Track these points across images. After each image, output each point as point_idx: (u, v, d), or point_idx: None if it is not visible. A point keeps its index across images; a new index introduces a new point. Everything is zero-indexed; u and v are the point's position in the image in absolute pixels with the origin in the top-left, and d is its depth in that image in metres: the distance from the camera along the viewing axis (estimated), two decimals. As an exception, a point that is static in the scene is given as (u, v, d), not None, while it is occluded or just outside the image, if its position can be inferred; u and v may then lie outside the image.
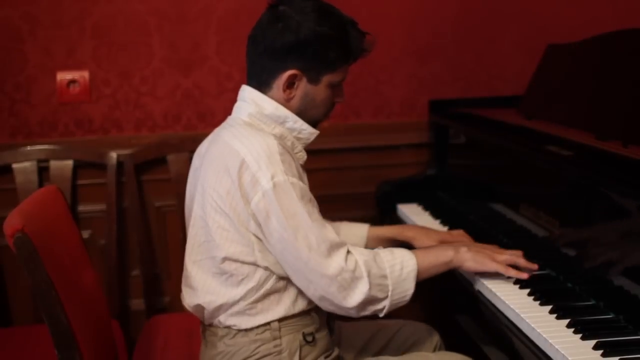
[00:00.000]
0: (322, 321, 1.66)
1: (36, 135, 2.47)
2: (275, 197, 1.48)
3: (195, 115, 2.55)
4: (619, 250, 1.52)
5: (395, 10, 2.61)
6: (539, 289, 1.61)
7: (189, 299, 1.65)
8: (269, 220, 1.49)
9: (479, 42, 2.68)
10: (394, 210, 2.46)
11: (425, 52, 2.66)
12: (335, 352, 1.69)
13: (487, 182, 2.21)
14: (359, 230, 1.89)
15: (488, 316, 1.64)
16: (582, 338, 1.39)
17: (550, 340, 1.38)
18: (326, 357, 1.65)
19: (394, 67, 2.65)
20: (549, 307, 1.53)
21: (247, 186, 1.49)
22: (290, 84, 1.59)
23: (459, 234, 1.88)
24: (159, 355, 2.04)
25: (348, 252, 1.52)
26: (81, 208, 2.50)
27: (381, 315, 1.57)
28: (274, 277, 1.57)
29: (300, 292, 1.59)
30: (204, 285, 1.61)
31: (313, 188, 1.58)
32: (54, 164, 2.42)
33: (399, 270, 1.55)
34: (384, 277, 1.53)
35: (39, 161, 2.42)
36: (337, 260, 1.49)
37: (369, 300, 1.52)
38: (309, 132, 1.63)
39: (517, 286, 1.64)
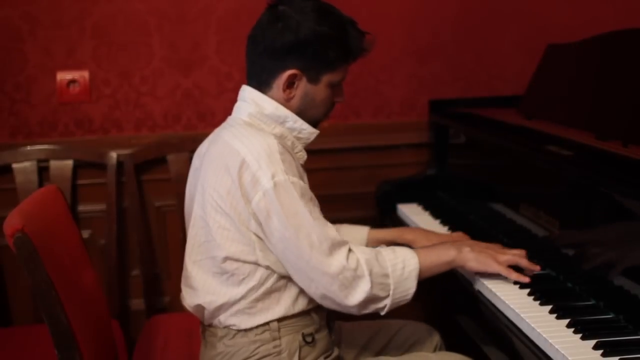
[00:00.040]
0: (321, 322, 1.66)
1: (36, 135, 2.47)
2: (276, 196, 1.48)
3: (195, 115, 2.55)
4: (619, 250, 1.52)
5: (395, 10, 2.61)
6: (539, 288, 1.61)
7: (189, 299, 1.65)
8: (269, 220, 1.49)
9: (479, 42, 2.68)
10: (394, 210, 2.46)
11: (425, 52, 2.66)
12: (335, 353, 1.69)
13: (487, 182, 2.21)
14: (359, 233, 1.89)
15: (488, 316, 1.64)
16: (582, 338, 1.39)
17: (550, 340, 1.38)
18: (326, 358, 1.65)
19: (394, 67, 2.65)
20: (549, 307, 1.53)
21: (248, 186, 1.49)
22: (290, 84, 1.59)
23: (459, 236, 1.88)
24: (159, 355, 2.04)
25: (350, 250, 1.53)
26: (81, 208, 2.50)
27: (382, 313, 1.57)
28: (275, 276, 1.57)
29: (300, 292, 1.59)
30: (204, 285, 1.61)
31: (313, 188, 1.58)
32: (54, 163, 2.42)
33: (400, 270, 1.55)
34: (386, 276, 1.53)
35: (39, 161, 2.42)
36: (339, 259, 1.50)
37: (371, 299, 1.53)
38: (309, 132, 1.63)
39: (517, 286, 1.64)
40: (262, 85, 1.61)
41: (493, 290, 1.63)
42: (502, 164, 2.10)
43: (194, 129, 2.54)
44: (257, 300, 1.57)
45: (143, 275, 2.49)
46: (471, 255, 1.63)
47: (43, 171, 2.43)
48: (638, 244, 1.46)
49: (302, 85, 1.60)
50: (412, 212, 2.35)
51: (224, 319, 1.60)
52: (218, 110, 2.54)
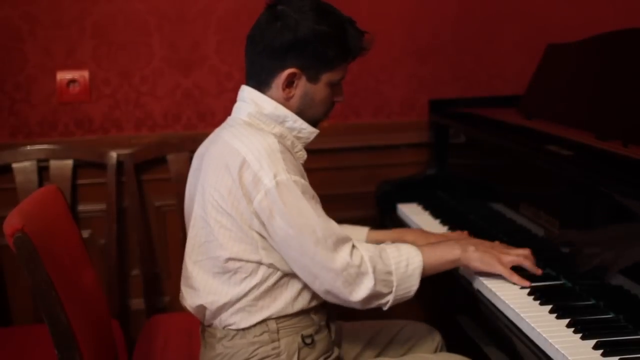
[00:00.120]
0: (321, 322, 1.66)
1: (36, 134, 2.47)
2: (279, 195, 1.48)
3: (195, 115, 2.55)
4: (619, 250, 1.52)
5: (395, 10, 2.61)
6: (539, 288, 1.61)
7: (190, 300, 1.65)
8: (272, 219, 1.49)
9: (479, 42, 2.68)
10: (394, 209, 2.46)
11: (425, 52, 2.66)
12: (335, 353, 1.69)
13: (487, 182, 2.21)
14: (359, 234, 1.89)
15: (488, 316, 1.64)
16: (582, 338, 1.39)
17: (550, 340, 1.38)
18: (326, 359, 1.65)
19: (394, 67, 2.65)
20: (549, 307, 1.53)
21: (249, 185, 1.49)
22: (289, 83, 1.59)
23: (459, 235, 1.88)
24: (158, 355, 2.04)
25: (353, 247, 1.53)
26: (81, 208, 2.50)
27: (385, 308, 1.58)
28: (278, 273, 1.57)
29: (301, 290, 1.59)
30: (205, 286, 1.61)
31: (313, 188, 1.58)
32: (53, 163, 2.42)
33: (404, 267, 1.55)
34: (389, 273, 1.54)
35: (39, 161, 2.42)
36: (343, 255, 1.50)
37: (374, 295, 1.53)
38: (308, 132, 1.63)
39: (517, 286, 1.64)
40: (261, 85, 1.61)
41: (493, 289, 1.63)
42: (502, 164, 2.10)
43: (194, 129, 2.54)
44: (259, 298, 1.57)
45: (143, 275, 2.49)
46: (476, 255, 1.64)
47: (43, 171, 2.43)
48: (638, 243, 1.46)
49: (302, 85, 1.60)
50: (412, 212, 2.35)
51: (225, 318, 1.60)
52: (218, 110, 2.54)
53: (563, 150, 1.74)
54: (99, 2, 2.43)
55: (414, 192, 2.49)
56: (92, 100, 2.49)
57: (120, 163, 2.45)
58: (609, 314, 1.51)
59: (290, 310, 1.59)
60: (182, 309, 1.72)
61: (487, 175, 2.23)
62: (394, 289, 1.55)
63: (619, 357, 1.32)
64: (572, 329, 1.43)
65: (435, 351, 1.86)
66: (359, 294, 1.52)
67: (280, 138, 1.58)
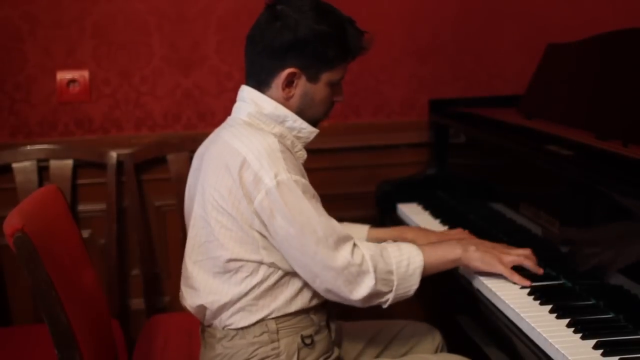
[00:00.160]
0: (321, 323, 1.65)
1: (36, 134, 2.47)
2: (280, 195, 1.48)
3: (195, 115, 2.55)
4: (619, 250, 1.52)
5: (395, 10, 2.61)
6: (539, 288, 1.61)
7: (191, 300, 1.65)
8: (273, 219, 1.49)
9: (479, 42, 2.68)
10: (393, 209, 2.46)
11: (425, 51, 2.66)
12: (335, 353, 1.69)
13: (487, 182, 2.21)
14: (359, 232, 1.89)
15: (488, 316, 1.64)
16: (582, 337, 1.39)
17: (550, 340, 1.38)
18: (326, 359, 1.65)
19: (394, 67, 2.65)
20: (549, 307, 1.53)
21: (250, 185, 1.49)
22: (289, 83, 1.59)
23: (459, 232, 1.88)
24: (158, 354, 2.04)
25: (355, 245, 1.53)
26: (81, 207, 2.50)
27: (384, 306, 1.58)
28: (279, 272, 1.57)
29: (301, 290, 1.59)
30: (205, 286, 1.61)
31: (313, 187, 1.58)
32: (53, 163, 2.42)
33: (405, 267, 1.56)
34: (390, 272, 1.54)
35: (39, 161, 2.42)
36: (344, 254, 1.50)
37: (374, 294, 1.54)
38: (308, 131, 1.63)
39: (517, 286, 1.64)
40: (261, 84, 1.61)
41: (493, 289, 1.63)
42: (502, 164, 2.10)
43: (194, 129, 2.54)
44: (259, 297, 1.57)
45: (143, 275, 2.49)
46: (476, 255, 1.64)
47: (43, 171, 2.43)
48: (638, 243, 1.46)
49: (302, 84, 1.60)
50: (412, 212, 2.35)
51: (225, 317, 1.59)
52: (218, 110, 2.54)
53: (563, 150, 1.74)
54: (99, 2, 2.43)
55: (414, 192, 2.49)
56: (92, 100, 2.49)
57: (120, 163, 2.45)
58: (609, 314, 1.50)
59: (290, 309, 1.59)
60: (182, 309, 1.72)
61: (487, 175, 2.23)
62: (394, 288, 1.55)
63: (619, 357, 1.32)
64: (572, 329, 1.43)
65: (436, 351, 1.86)
66: (359, 292, 1.52)
67: (280, 138, 1.58)
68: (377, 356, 1.84)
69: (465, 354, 1.76)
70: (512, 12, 2.68)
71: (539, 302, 1.56)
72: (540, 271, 1.67)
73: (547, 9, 2.67)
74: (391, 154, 2.66)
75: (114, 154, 2.43)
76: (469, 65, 2.69)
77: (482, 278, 1.68)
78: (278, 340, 1.59)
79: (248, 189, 1.50)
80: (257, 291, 1.57)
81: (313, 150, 1.71)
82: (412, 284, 1.57)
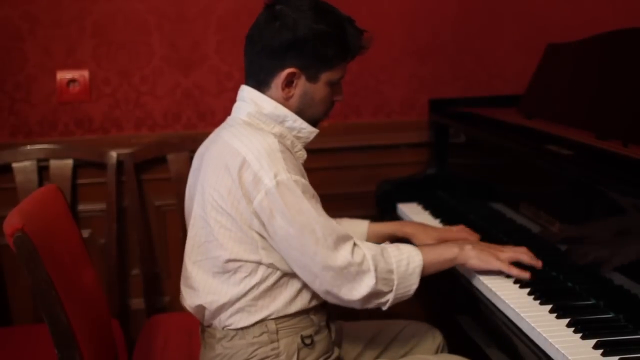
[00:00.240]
0: (321, 323, 1.65)
1: (36, 134, 2.47)
2: (279, 195, 1.48)
3: (195, 115, 2.55)
4: (619, 250, 1.52)
5: (395, 10, 2.61)
6: (539, 288, 1.61)
7: (190, 300, 1.65)
8: (273, 219, 1.49)
9: (479, 42, 2.68)
10: (394, 209, 2.46)
11: (425, 51, 2.66)
12: (336, 353, 1.69)
13: (487, 182, 2.21)
14: (359, 227, 1.89)
15: (488, 316, 1.64)
16: (582, 337, 1.39)
17: (550, 340, 1.38)
18: (326, 359, 1.65)
19: (394, 67, 2.65)
20: (549, 307, 1.53)
21: (249, 185, 1.49)
22: (288, 83, 1.59)
23: (460, 229, 1.89)
24: (158, 354, 2.04)
25: (355, 245, 1.53)
26: (81, 207, 2.50)
27: (384, 308, 1.58)
28: (277, 273, 1.57)
29: (300, 291, 1.59)
30: (205, 286, 1.61)
31: (313, 187, 1.58)
32: (53, 163, 2.42)
33: (405, 266, 1.56)
34: (390, 271, 1.54)
35: (39, 160, 2.42)
36: (344, 254, 1.50)
37: (374, 294, 1.53)
38: (308, 131, 1.63)
39: (517, 285, 1.64)
40: (261, 84, 1.61)
41: (493, 289, 1.63)
42: (502, 164, 2.10)
43: (194, 129, 2.54)
44: (258, 298, 1.57)
45: (143, 275, 2.49)
46: (473, 253, 1.64)
47: (43, 170, 2.43)
48: (638, 243, 1.46)
49: (301, 84, 1.60)
50: (412, 212, 2.35)
51: (224, 318, 1.59)
52: (218, 110, 2.54)
53: (563, 150, 1.74)
54: (99, 2, 2.43)
55: (414, 192, 2.49)
56: (92, 100, 2.49)
57: (120, 163, 2.45)
58: (609, 314, 1.51)
59: (290, 310, 1.59)
60: (182, 309, 1.72)
61: (487, 175, 2.23)
62: (394, 287, 1.55)
63: (619, 357, 1.32)
64: (572, 329, 1.43)
65: (437, 351, 1.86)
66: (359, 292, 1.52)
67: (280, 138, 1.58)
68: (378, 356, 1.84)
69: (466, 354, 1.76)
70: (512, 12, 2.68)
71: (539, 302, 1.56)
72: (539, 263, 1.67)
73: (547, 9, 2.67)
74: (391, 153, 2.65)
75: (114, 154, 2.43)
76: (469, 65, 2.69)
77: (482, 278, 1.68)
78: (278, 340, 1.59)
79: (247, 189, 1.50)
80: (256, 292, 1.57)
81: (313, 150, 1.71)
82: (412, 284, 1.57)
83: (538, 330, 1.43)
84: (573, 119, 1.98)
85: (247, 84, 1.64)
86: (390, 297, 1.56)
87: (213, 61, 2.53)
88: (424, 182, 2.56)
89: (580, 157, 1.69)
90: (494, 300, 1.62)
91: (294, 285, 1.59)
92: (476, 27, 2.67)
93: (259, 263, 1.55)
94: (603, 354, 1.33)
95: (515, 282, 1.66)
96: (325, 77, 1.60)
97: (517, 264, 1.67)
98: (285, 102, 1.60)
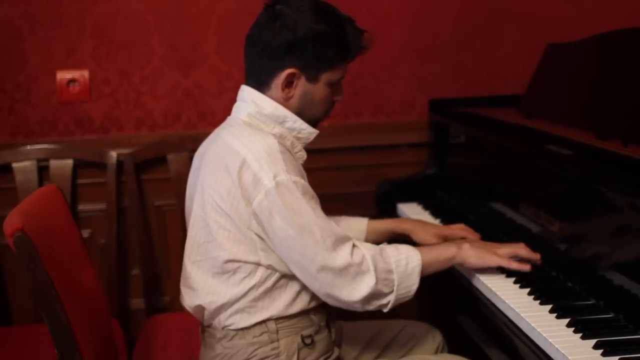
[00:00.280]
0: (321, 323, 1.66)
1: (36, 134, 2.47)
2: (279, 196, 1.48)
3: (195, 115, 2.55)
4: (619, 250, 1.52)
5: (395, 10, 2.61)
6: (539, 288, 1.61)
7: (189, 300, 1.65)
8: (272, 220, 1.49)
9: (479, 42, 2.68)
10: (394, 209, 2.46)
11: (425, 51, 2.66)
12: (336, 353, 1.69)
13: (487, 182, 2.21)
14: (358, 224, 1.89)
15: (488, 316, 1.64)
16: (582, 337, 1.39)
17: (550, 340, 1.38)
18: (326, 359, 1.65)
19: (394, 67, 2.65)
20: (549, 307, 1.53)
21: (249, 186, 1.49)
22: (288, 83, 1.59)
23: (459, 227, 1.89)
24: (158, 354, 2.04)
25: (354, 246, 1.53)
26: (81, 207, 2.50)
27: (385, 310, 1.58)
28: (276, 275, 1.57)
29: (300, 292, 1.59)
30: (204, 286, 1.60)
31: (312, 187, 1.58)
32: (53, 163, 2.42)
33: (404, 266, 1.55)
34: (390, 271, 1.54)
35: (39, 160, 2.42)
36: (343, 255, 1.50)
37: (375, 295, 1.53)
38: (308, 132, 1.63)
39: (517, 285, 1.64)
40: (261, 85, 1.61)
41: (493, 289, 1.63)
42: (502, 164, 2.10)
43: (194, 129, 2.54)
44: (257, 299, 1.57)
45: (143, 275, 2.49)
46: (471, 252, 1.64)
47: (43, 170, 2.43)
48: (638, 243, 1.46)
49: (301, 85, 1.60)
50: (412, 212, 2.34)
51: (224, 318, 1.59)
52: (218, 110, 2.54)
53: (563, 150, 1.74)
54: (99, 2, 2.43)
55: (414, 192, 2.49)
56: (92, 100, 2.49)
57: (120, 163, 2.45)
58: (609, 314, 1.50)
59: (290, 312, 1.59)
60: (182, 309, 1.72)
61: (487, 175, 2.23)
62: (395, 288, 1.54)
63: (619, 357, 1.32)
64: (572, 329, 1.43)
65: (437, 351, 1.86)
66: (359, 292, 1.51)
67: (280, 138, 1.58)
68: (378, 356, 1.84)
69: (466, 354, 1.76)
70: (512, 12, 2.68)
71: (539, 302, 1.56)
72: (538, 256, 1.67)
73: (547, 9, 2.67)
74: (391, 153, 2.65)
75: (114, 154, 2.43)
76: (469, 65, 2.69)
77: (482, 278, 1.68)
78: (278, 340, 1.59)
79: (247, 190, 1.50)
80: (255, 293, 1.57)
81: (313, 150, 1.71)
82: (412, 284, 1.57)
83: (538, 330, 1.43)
84: (573, 119, 1.98)
85: (247, 84, 1.64)
86: (391, 299, 1.55)
87: (213, 61, 2.53)
88: (424, 182, 2.56)
89: (580, 157, 1.69)
90: (494, 300, 1.62)
91: (293, 287, 1.59)
92: (476, 27, 2.67)
93: (258, 264, 1.55)
94: (603, 354, 1.33)
95: (516, 282, 1.66)
96: (325, 77, 1.60)
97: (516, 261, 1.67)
98: (285, 102, 1.60)
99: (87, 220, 2.49)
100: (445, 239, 1.84)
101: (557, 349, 1.35)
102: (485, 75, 2.71)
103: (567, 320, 1.46)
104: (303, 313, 1.61)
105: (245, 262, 1.55)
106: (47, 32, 2.41)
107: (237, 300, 1.57)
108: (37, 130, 2.47)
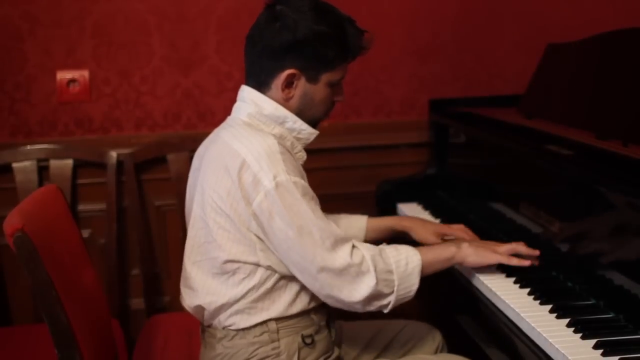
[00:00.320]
0: (321, 322, 1.66)
1: (36, 134, 2.47)
2: (279, 196, 1.48)
3: (195, 115, 2.55)
4: (619, 250, 1.52)
5: (395, 10, 2.61)
6: (539, 288, 1.61)
7: (189, 300, 1.65)
8: (272, 220, 1.49)
9: (479, 42, 2.68)
10: (394, 209, 2.46)
11: (425, 51, 2.66)
12: (336, 353, 1.69)
13: (487, 182, 2.21)
14: (358, 222, 1.90)
15: (488, 316, 1.64)
16: (582, 337, 1.39)
17: (550, 340, 1.38)
18: (326, 359, 1.65)
19: (394, 67, 2.65)
20: (549, 307, 1.53)
21: (249, 187, 1.49)
22: (289, 84, 1.58)
23: (459, 228, 1.89)
24: (158, 354, 2.04)
25: (354, 246, 1.53)
26: (81, 207, 2.50)
27: (386, 311, 1.58)
28: (276, 276, 1.56)
29: (300, 292, 1.59)
30: (204, 286, 1.60)
31: (312, 187, 1.58)
32: (53, 163, 2.42)
33: (404, 266, 1.55)
34: (390, 272, 1.54)
35: (39, 160, 2.42)
36: (343, 255, 1.50)
37: (375, 295, 1.53)
38: (308, 132, 1.63)
39: (517, 285, 1.64)
40: (261, 85, 1.61)
41: (493, 289, 1.63)
42: (502, 164, 2.10)
43: (194, 129, 2.54)
44: (257, 300, 1.57)
45: (143, 275, 2.49)
46: (470, 250, 1.65)
47: (43, 170, 2.43)
48: (637, 243, 1.46)
49: (301, 85, 1.59)
50: (412, 212, 2.34)
51: (224, 318, 1.59)
52: (218, 110, 2.54)
53: (563, 150, 1.74)
54: (99, 2, 2.43)
55: (414, 192, 2.49)
56: (92, 100, 2.49)
57: (120, 163, 2.45)
58: (609, 314, 1.50)
59: (290, 312, 1.59)
60: (182, 309, 1.72)
61: (487, 175, 2.23)
62: (395, 288, 1.54)
63: (619, 357, 1.32)
64: (572, 329, 1.43)
65: (436, 351, 1.86)
66: (360, 293, 1.51)
67: (280, 139, 1.57)
68: (377, 356, 1.84)
69: (466, 354, 1.76)
70: (512, 12, 2.68)
71: (539, 302, 1.56)
72: (537, 252, 1.67)
73: (547, 9, 2.67)
74: (391, 153, 2.66)
75: (114, 154, 2.43)
76: (469, 65, 2.69)
77: (482, 278, 1.68)
78: (278, 340, 1.59)
79: (247, 190, 1.50)
80: (255, 294, 1.57)
81: (313, 150, 1.71)
82: (412, 284, 1.57)
83: (538, 330, 1.43)
84: (573, 119, 1.98)
85: (247, 84, 1.64)
86: (392, 299, 1.55)
87: (213, 61, 2.53)
88: (424, 182, 2.56)
89: (580, 157, 1.69)
90: (494, 300, 1.62)
91: (293, 288, 1.59)
92: (476, 27, 2.67)
93: (257, 265, 1.55)
94: (603, 354, 1.33)
95: (516, 282, 1.66)
96: (325, 77, 1.60)
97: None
98: (285, 103, 1.60)
99: (87, 220, 2.49)
100: (445, 238, 1.84)
101: (557, 349, 1.35)
102: (485, 75, 2.71)
103: (567, 320, 1.46)
104: (303, 313, 1.61)
105: (245, 262, 1.55)
106: (47, 32, 2.41)
107: (237, 301, 1.57)
108: (37, 130, 2.47)
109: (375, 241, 1.80)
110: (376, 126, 2.66)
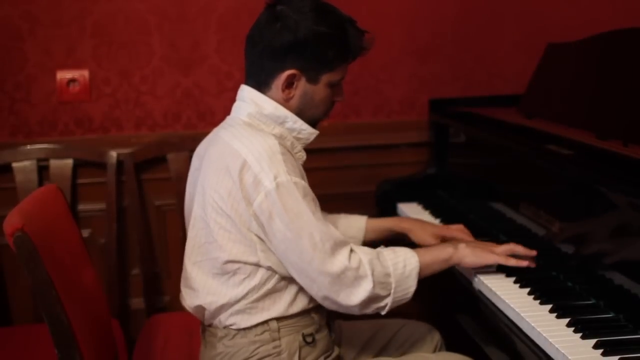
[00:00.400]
0: (322, 321, 1.66)
1: (36, 134, 2.47)
2: (279, 197, 1.48)
3: (195, 114, 2.55)
4: (619, 250, 1.52)
5: (395, 10, 2.61)
6: (539, 288, 1.61)
7: (190, 300, 1.65)
8: (272, 221, 1.49)
9: (479, 41, 2.68)
10: (394, 209, 2.46)
11: (425, 51, 2.66)
12: (336, 352, 1.69)
13: (487, 181, 2.21)
14: (357, 222, 1.90)
15: (488, 315, 1.64)
16: (582, 337, 1.39)
17: (550, 340, 1.38)
18: (326, 358, 1.65)
19: (394, 67, 2.65)
20: (549, 306, 1.53)
21: (249, 187, 1.49)
22: (289, 84, 1.58)
23: (458, 228, 1.89)
24: (158, 354, 2.04)
25: (352, 250, 1.53)
26: (81, 207, 2.50)
27: (383, 312, 1.58)
28: (276, 276, 1.56)
29: (300, 292, 1.59)
30: (204, 286, 1.60)
31: (312, 187, 1.58)
32: (53, 163, 2.42)
33: (402, 268, 1.55)
34: (388, 275, 1.54)
35: (39, 160, 2.42)
36: (341, 259, 1.50)
37: (372, 298, 1.53)
38: (308, 132, 1.63)
39: (517, 285, 1.64)
40: (261, 85, 1.61)
41: (493, 289, 1.63)
42: (502, 163, 2.10)
43: (194, 128, 2.54)
44: (258, 300, 1.57)
45: (143, 275, 2.49)
46: (467, 251, 1.65)
47: (43, 170, 2.43)
48: (638, 243, 1.46)
49: (301, 85, 1.59)
50: (412, 212, 2.34)
51: (224, 318, 1.59)
52: (218, 110, 2.54)
53: (563, 149, 1.74)
54: (99, 1, 2.43)
55: (414, 192, 2.49)
56: (92, 100, 2.49)
57: (120, 162, 2.45)
58: (609, 314, 1.51)
59: (290, 312, 1.59)
60: (182, 309, 1.72)
61: (487, 175, 2.23)
62: (392, 290, 1.54)
63: (619, 357, 1.32)
64: (572, 329, 1.43)
65: (435, 350, 1.86)
66: (357, 296, 1.51)
67: (280, 139, 1.57)
68: (376, 355, 1.84)
69: (465, 353, 1.76)
70: (512, 12, 2.68)
71: (539, 301, 1.56)
72: (534, 252, 1.67)
73: (547, 9, 2.68)
74: (391, 153, 2.66)
75: (114, 154, 2.43)
76: (469, 64, 2.69)
77: (482, 277, 1.68)
78: (279, 338, 1.59)
79: (247, 190, 1.50)
80: (255, 294, 1.57)
81: (313, 150, 1.71)
82: (410, 286, 1.57)
83: (538, 330, 1.43)
84: (573, 119, 1.98)
85: (247, 84, 1.64)
86: (388, 301, 1.55)
87: (213, 61, 2.53)
88: (424, 182, 2.56)
89: (580, 157, 1.69)
90: (494, 300, 1.62)
91: (293, 288, 1.59)
92: (476, 27, 2.67)
93: (258, 265, 1.55)
94: (603, 354, 1.33)
95: (516, 281, 1.66)
96: (325, 78, 1.60)
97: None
98: (285, 103, 1.60)
99: (87, 220, 2.49)
100: (444, 240, 1.84)
101: (557, 348, 1.35)
102: (485, 75, 2.71)
103: (567, 320, 1.46)
104: (304, 312, 1.61)
105: (245, 263, 1.55)
106: (47, 32, 2.41)
107: (237, 301, 1.57)
108: (37, 130, 2.47)
109: (374, 242, 1.80)
110: (376, 126, 2.66)
